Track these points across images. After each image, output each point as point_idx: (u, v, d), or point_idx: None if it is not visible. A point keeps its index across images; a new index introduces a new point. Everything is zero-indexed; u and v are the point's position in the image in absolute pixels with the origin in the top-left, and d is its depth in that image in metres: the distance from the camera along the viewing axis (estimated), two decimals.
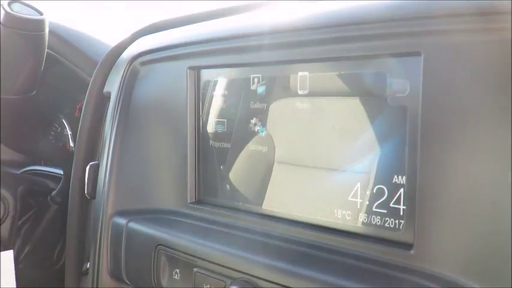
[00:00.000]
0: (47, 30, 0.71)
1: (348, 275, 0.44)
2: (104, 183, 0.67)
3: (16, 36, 0.67)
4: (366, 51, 0.45)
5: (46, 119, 1.16)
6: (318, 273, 0.45)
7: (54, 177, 1.03)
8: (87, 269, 0.74)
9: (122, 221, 0.65)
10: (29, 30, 0.68)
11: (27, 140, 0.89)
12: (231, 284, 0.49)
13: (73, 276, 0.80)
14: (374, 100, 0.46)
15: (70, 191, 0.81)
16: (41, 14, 0.70)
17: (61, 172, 1.01)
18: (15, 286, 0.82)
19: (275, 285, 0.46)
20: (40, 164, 1.15)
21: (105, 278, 0.68)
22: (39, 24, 0.69)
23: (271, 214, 0.56)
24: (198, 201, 0.64)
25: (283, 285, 0.46)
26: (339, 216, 0.49)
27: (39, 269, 0.96)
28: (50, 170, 1.07)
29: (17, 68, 0.70)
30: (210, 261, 0.52)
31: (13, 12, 0.66)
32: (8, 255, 0.84)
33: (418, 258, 0.43)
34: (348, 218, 0.49)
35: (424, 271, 0.42)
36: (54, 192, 0.96)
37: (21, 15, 0.67)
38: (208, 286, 0.53)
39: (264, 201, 0.56)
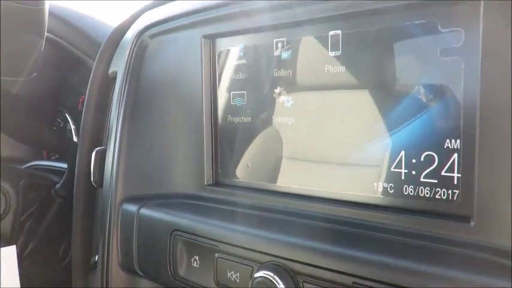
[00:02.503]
0: (47, 6, 0.66)
1: (393, 252, 0.38)
2: (112, 169, 0.62)
3: (13, 10, 0.62)
4: None
5: (48, 110, 1.11)
6: (361, 252, 0.39)
7: (58, 172, 0.98)
8: (96, 262, 0.69)
9: (132, 207, 0.59)
10: (27, 3, 0.63)
11: (29, 129, 0.84)
12: (259, 269, 0.44)
13: (80, 270, 0.74)
14: (421, 52, 0.40)
15: (75, 180, 0.75)
16: None
17: (65, 166, 0.96)
18: (19, 285, 0.77)
19: (312, 268, 0.41)
20: (43, 159, 1.10)
21: (115, 271, 0.62)
22: None
23: (299, 193, 0.50)
24: (216, 183, 0.58)
25: (322, 267, 0.40)
26: (380, 190, 0.44)
27: (44, 266, 0.90)
28: (54, 164, 1.02)
29: (15, 46, 0.65)
30: (233, 245, 0.47)
31: None
32: (10, 251, 0.79)
33: (478, 231, 0.37)
34: (391, 192, 0.43)
35: (486, 244, 0.36)
36: (58, 186, 0.91)
37: None
38: (232, 273, 0.47)
39: (291, 179, 0.51)
